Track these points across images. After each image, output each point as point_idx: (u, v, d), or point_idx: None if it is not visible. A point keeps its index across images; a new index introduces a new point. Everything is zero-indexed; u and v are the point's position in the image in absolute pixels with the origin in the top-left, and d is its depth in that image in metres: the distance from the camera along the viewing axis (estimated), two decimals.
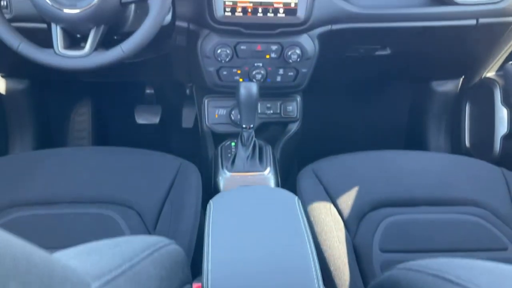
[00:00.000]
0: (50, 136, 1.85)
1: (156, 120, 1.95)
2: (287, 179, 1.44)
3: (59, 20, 1.01)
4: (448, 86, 1.75)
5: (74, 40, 1.07)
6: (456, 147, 1.72)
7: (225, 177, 1.19)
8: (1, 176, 1.07)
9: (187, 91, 1.72)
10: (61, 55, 1.02)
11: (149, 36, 1.04)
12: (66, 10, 0.99)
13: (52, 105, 1.84)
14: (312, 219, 1.02)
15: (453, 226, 1.04)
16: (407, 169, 1.13)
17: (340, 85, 1.61)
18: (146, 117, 1.95)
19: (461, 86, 1.72)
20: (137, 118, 1.94)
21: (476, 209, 1.06)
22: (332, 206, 1.06)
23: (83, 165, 1.11)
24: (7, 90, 1.57)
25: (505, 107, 1.43)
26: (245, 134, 1.23)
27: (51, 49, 1.03)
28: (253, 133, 1.24)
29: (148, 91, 1.99)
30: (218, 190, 1.21)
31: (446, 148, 1.78)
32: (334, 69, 1.52)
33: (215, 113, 1.45)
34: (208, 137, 1.46)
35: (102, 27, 1.05)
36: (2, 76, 1.55)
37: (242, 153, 1.22)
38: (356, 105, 2.01)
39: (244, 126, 1.22)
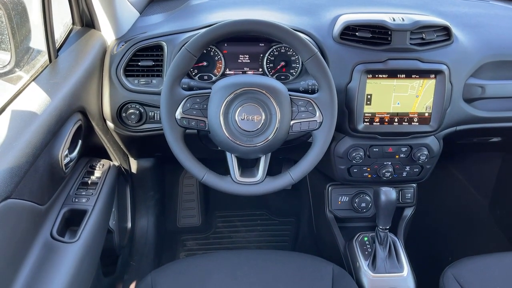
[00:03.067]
0: (164, 201, 2.00)
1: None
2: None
3: (235, 151, 1.15)
4: None
5: (244, 162, 1.20)
6: None
7: (369, 278, 1.31)
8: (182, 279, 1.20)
9: None
10: (238, 182, 1.15)
11: (315, 164, 1.16)
12: (244, 145, 1.12)
13: (167, 175, 1.99)
14: None
15: None
16: None
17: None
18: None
19: None
20: None
21: None
22: None
23: (248, 270, 1.23)
24: (137, 169, 1.72)
25: None
26: (381, 234, 1.33)
27: (228, 176, 1.16)
28: (388, 232, 1.34)
29: None
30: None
31: None
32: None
33: (338, 200, 1.57)
34: (333, 222, 1.57)
35: (269, 154, 1.18)
36: (134, 158, 1.70)
37: (381, 253, 1.33)
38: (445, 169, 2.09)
39: (381, 227, 1.33)
